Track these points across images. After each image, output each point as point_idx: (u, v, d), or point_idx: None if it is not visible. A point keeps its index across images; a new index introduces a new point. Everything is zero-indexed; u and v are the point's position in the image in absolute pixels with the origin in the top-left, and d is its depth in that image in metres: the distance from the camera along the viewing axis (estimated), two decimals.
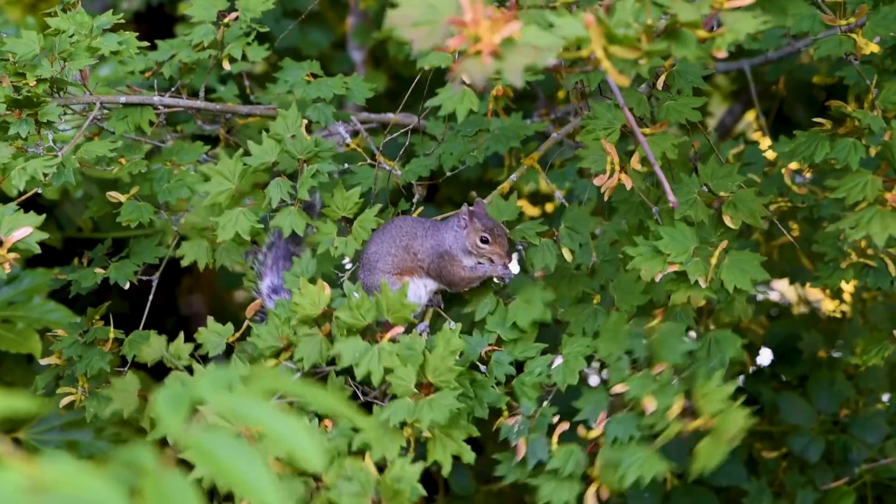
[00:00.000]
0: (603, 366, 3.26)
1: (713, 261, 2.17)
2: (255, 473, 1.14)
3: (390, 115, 2.80)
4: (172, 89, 2.82)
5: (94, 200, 2.84)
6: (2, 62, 2.51)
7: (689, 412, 2.12)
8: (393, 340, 2.22)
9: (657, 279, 2.14)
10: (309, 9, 3.04)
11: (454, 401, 2.15)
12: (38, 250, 2.26)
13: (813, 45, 2.46)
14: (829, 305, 3.68)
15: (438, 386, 2.18)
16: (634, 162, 2.20)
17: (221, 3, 2.69)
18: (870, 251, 2.59)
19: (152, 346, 2.51)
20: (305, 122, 2.52)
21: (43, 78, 2.48)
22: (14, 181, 2.35)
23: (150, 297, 2.69)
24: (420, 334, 2.32)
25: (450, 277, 2.38)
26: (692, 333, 2.41)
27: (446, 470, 2.19)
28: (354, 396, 2.39)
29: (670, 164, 2.37)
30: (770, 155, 2.86)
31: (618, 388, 2.18)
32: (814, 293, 3.79)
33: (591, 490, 2.18)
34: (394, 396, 2.19)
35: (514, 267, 2.44)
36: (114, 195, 2.64)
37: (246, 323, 2.48)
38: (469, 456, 2.20)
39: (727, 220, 2.27)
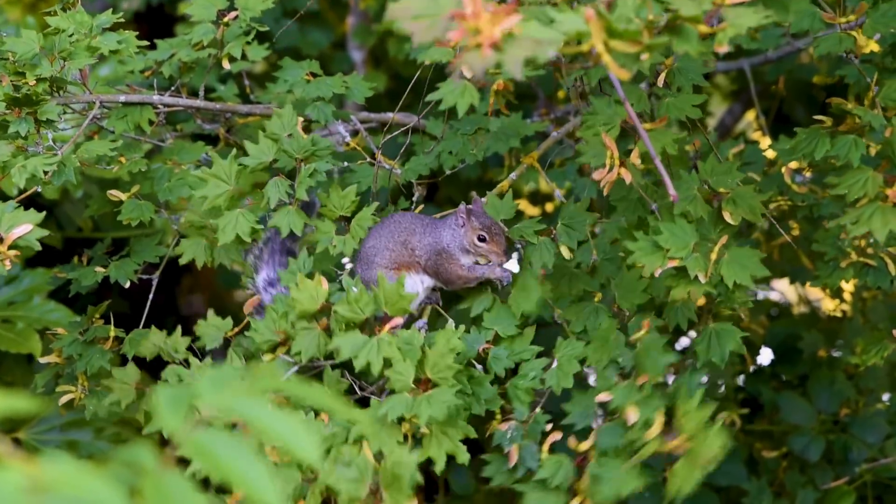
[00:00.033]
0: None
1: (713, 256, 2.17)
2: (254, 473, 1.14)
3: (390, 115, 2.80)
4: (172, 88, 2.81)
5: (95, 199, 2.84)
6: (1, 61, 2.51)
7: (670, 430, 2.14)
8: (392, 333, 2.23)
9: (657, 274, 2.14)
10: (306, 7, 3.04)
11: (452, 397, 2.15)
12: (38, 247, 2.26)
13: (813, 43, 2.46)
14: (829, 305, 3.68)
15: (437, 382, 2.18)
16: (634, 157, 2.20)
17: (221, 3, 2.69)
18: (870, 250, 2.59)
19: (150, 339, 2.52)
20: (303, 120, 2.52)
21: (43, 77, 2.48)
22: (14, 179, 2.35)
23: (150, 297, 2.69)
24: (419, 330, 2.32)
25: (446, 275, 2.39)
26: (692, 333, 2.41)
27: (440, 467, 2.19)
28: (351, 391, 2.39)
29: (670, 160, 2.37)
30: (770, 154, 2.86)
31: (603, 397, 2.20)
32: (814, 292, 3.78)
33: (576, 502, 2.19)
34: (391, 392, 2.20)
35: (514, 266, 2.44)
36: (115, 193, 2.64)
37: (245, 322, 2.49)
38: (464, 456, 2.21)
39: (727, 217, 2.26)
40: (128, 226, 2.63)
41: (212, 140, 2.93)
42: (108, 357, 2.56)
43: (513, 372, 2.33)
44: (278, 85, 2.74)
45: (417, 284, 2.41)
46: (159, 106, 2.70)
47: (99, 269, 2.68)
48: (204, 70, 2.81)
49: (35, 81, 2.47)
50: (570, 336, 2.37)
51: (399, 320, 2.26)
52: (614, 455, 2.17)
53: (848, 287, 3.37)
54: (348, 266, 2.57)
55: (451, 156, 2.73)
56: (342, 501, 2.12)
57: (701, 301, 2.52)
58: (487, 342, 2.34)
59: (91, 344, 2.58)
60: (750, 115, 4.04)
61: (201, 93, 2.77)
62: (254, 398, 1.20)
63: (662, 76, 2.33)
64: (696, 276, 2.14)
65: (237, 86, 3.07)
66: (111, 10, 2.63)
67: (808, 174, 2.89)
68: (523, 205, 3.94)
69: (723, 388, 3.44)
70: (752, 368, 3.44)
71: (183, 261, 2.66)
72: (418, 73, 2.63)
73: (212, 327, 2.50)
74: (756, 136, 3.69)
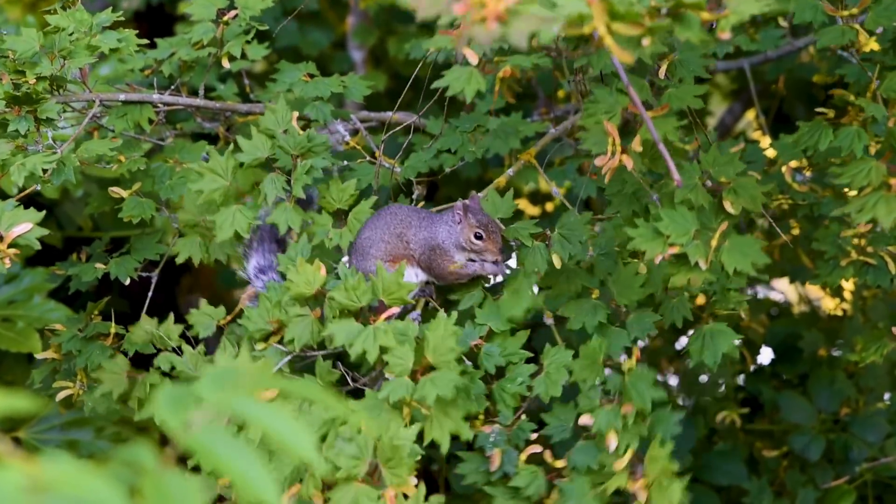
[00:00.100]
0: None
1: (713, 243, 2.15)
2: (254, 472, 1.14)
3: (389, 114, 2.80)
4: (172, 87, 2.82)
5: (95, 197, 2.84)
6: (2, 59, 2.51)
7: (640, 461, 2.15)
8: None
9: (657, 261, 2.12)
10: (301, 6, 3.04)
11: (457, 377, 2.14)
12: (38, 246, 2.26)
13: (815, 33, 2.46)
14: (829, 304, 3.68)
15: (438, 366, 2.17)
16: (636, 144, 2.18)
17: (221, 2, 2.69)
18: (870, 249, 2.59)
19: (142, 326, 2.52)
20: (296, 114, 2.52)
21: (43, 75, 2.48)
22: (13, 177, 2.35)
23: (149, 295, 2.69)
24: (413, 321, 2.32)
25: (439, 271, 2.38)
26: (692, 332, 2.40)
27: (444, 447, 2.18)
28: (343, 382, 2.38)
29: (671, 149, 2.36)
30: (770, 153, 2.86)
31: (585, 419, 2.20)
32: (814, 291, 3.79)
33: None
34: (386, 381, 2.19)
35: (512, 264, 2.43)
36: (116, 191, 2.64)
37: (238, 307, 2.49)
38: (467, 433, 2.20)
39: (728, 206, 2.24)
40: (128, 225, 2.63)
41: (212, 139, 2.93)
42: (109, 353, 2.56)
43: (500, 374, 2.32)
44: (277, 85, 2.74)
45: (412, 277, 2.41)
46: (159, 105, 2.70)
47: (99, 265, 2.68)
48: (204, 69, 2.81)
49: (35, 80, 2.47)
50: (559, 343, 2.35)
51: (395, 309, 2.25)
52: (585, 473, 2.19)
53: (848, 286, 3.37)
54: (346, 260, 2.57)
55: (451, 155, 2.72)
56: (340, 481, 2.10)
57: (700, 300, 2.51)
58: (480, 338, 2.33)
59: (91, 340, 2.58)
60: (750, 115, 4.04)
61: (201, 92, 2.77)
62: (252, 397, 1.20)
63: (664, 68, 2.32)
64: (697, 263, 2.12)
65: (237, 85, 3.07)
66: (111, 8, 2.63)
67: (808, 173, 2.89)
68: (523, 204, 3.94)
69: (723, 388, 3.44)
70: (752, 368, 3.45)
71: (179, 260, 2.66)
72: (417, 68, 2.63)
73: (204, 315, 2.51)
74: (756, 135, 3.69)
